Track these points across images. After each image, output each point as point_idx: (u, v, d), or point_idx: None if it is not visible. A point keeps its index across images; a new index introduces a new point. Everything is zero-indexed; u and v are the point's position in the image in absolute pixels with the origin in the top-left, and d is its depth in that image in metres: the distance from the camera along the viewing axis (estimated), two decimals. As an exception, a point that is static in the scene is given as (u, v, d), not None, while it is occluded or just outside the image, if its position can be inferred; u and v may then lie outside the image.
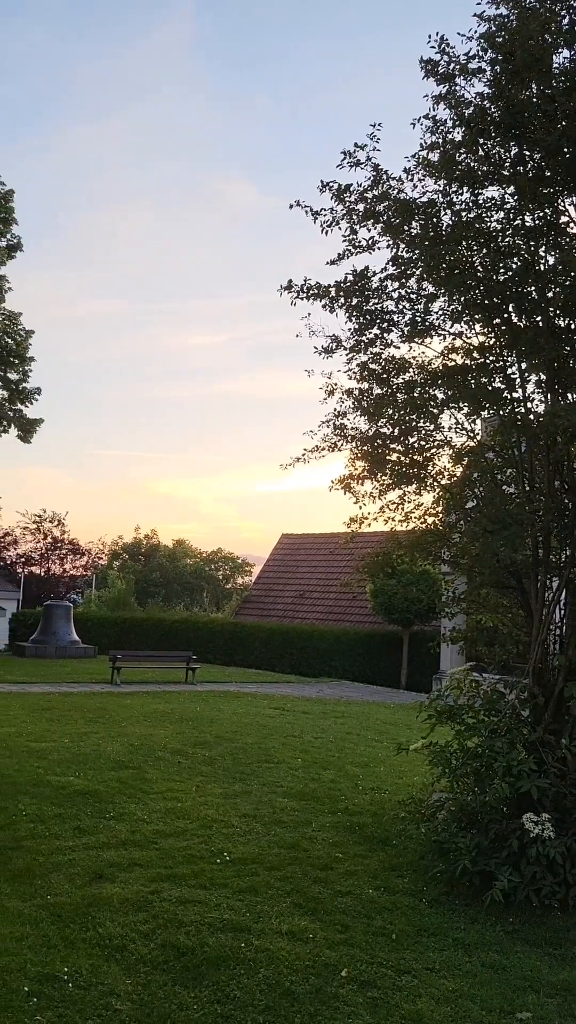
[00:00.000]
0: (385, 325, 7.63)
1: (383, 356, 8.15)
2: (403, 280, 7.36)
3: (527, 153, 7.34)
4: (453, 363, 8.20)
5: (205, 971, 4.93)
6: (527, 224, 7.48)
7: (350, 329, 7.82)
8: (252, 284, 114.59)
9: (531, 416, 7.82)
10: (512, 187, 7.39)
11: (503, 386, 7.96)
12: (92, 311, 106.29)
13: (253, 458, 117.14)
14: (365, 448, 8.61)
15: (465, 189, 7.52)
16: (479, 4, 7.28)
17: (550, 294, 7.45)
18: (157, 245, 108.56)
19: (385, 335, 7.73)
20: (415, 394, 8.36)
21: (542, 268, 7.50)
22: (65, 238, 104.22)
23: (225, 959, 5.09)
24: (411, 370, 8.52)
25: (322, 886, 6.50)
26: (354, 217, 7.22)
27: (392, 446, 8.69)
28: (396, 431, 8.63)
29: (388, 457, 8.80)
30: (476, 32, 7.26)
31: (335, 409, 8.84)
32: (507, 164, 7.39)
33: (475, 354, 8.13)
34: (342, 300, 7.51)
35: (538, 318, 7.54)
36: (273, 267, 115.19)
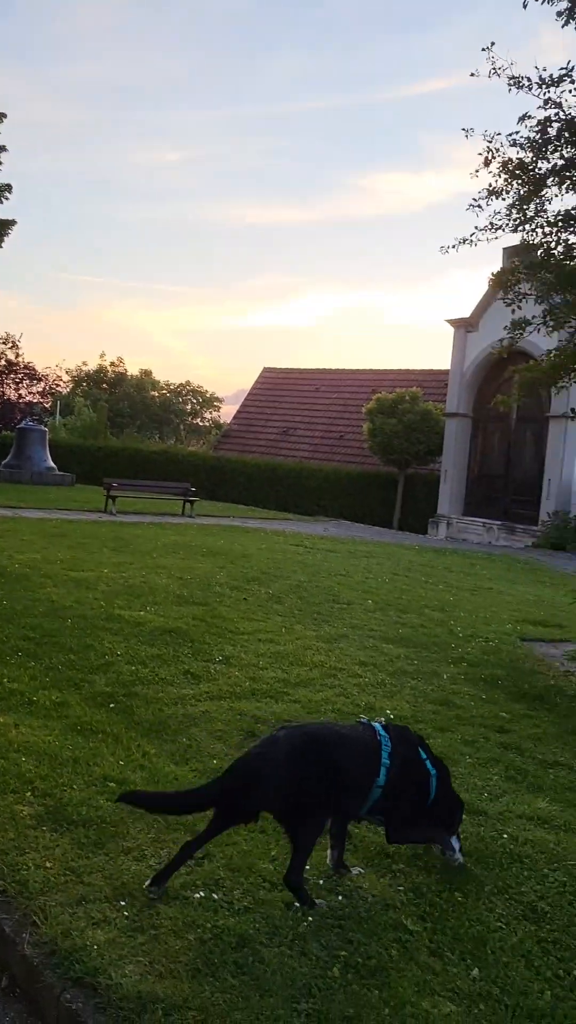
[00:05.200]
0: None
1: None
2: None
3: None
4: None
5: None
6: None
7: None
8: (223, 96, 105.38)
9: None
10: None
11: None
12: (48, 119, 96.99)
13: (213, 291, 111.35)
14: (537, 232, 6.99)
15: None
16: None
17: None
18: (125, 45, 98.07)
19: None
20: None
21: None
22: (17, 28, 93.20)
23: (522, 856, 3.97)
24: None
25: (516, 754, 5.44)
26: None
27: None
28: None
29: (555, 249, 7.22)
30: None
31: (489, 185, 7.17)
32: None
33: None
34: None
35: None
36: (249, 76, 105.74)
